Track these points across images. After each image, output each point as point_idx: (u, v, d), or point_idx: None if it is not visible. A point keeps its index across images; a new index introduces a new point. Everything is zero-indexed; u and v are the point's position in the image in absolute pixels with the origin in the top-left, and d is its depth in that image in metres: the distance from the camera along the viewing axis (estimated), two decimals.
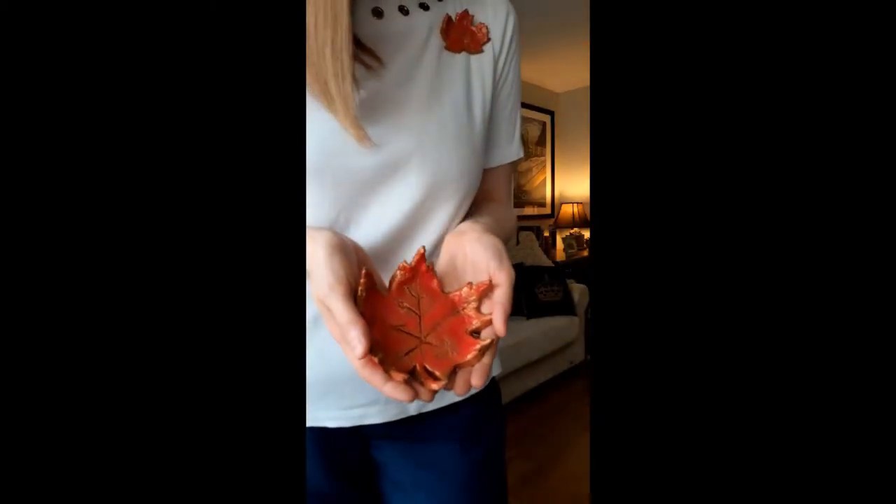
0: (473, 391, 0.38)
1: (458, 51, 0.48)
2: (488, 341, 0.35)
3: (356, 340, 0.31)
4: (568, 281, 2.80)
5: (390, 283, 0.38)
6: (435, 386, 0.33)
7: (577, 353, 2.78)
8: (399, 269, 0.38)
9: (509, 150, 0.55)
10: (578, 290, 2.81)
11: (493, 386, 0.58)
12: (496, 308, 0.35)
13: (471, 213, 0.50)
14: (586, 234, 3.60)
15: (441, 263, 0.41)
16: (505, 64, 0.51)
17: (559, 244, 3.64)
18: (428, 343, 0.36)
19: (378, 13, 0.44)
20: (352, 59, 0.38)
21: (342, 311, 0.32)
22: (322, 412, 0.48)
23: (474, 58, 0.49)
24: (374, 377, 0.32)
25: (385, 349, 0.35)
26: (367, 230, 0.44)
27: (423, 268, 0.39)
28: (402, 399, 0.32)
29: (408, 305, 0.38)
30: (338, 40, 0.37)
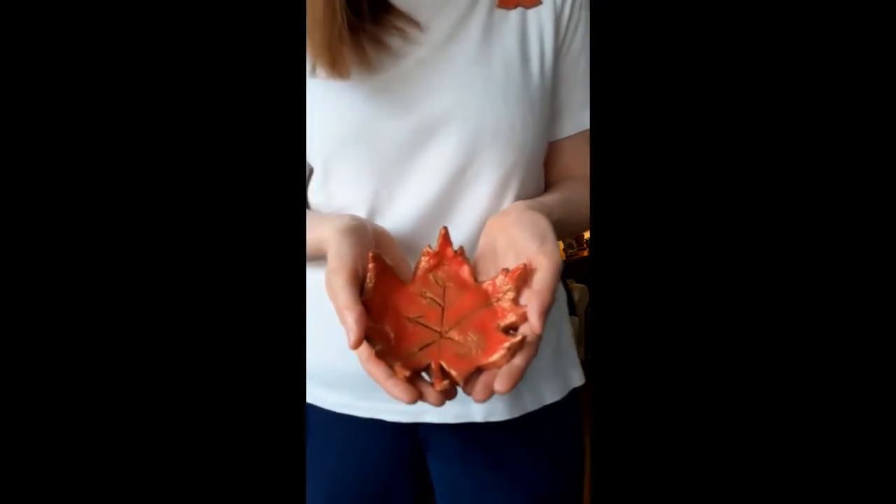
0: (501, 410, 0.35)
1: (513, 6, 0.44)
2: (519, 338, 0.29)
3: (349, 327, 0.28)
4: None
5: (415, 270, 0.34)
6: (439, 386, 0.28)
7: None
8: (423, 254, 0.34)
9: (585, 115, 0.48)
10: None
11: (573, 399, 0.51)
12: (532, 297, 0.29)
13: (543, 193, 0.47)
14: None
15: (480, 248, 0.37)
16: (570, 17, 0.46)
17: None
18: (449, 338, 0.31)
19: None
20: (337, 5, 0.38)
21: (340, 296, 0.30)
22: (380, 403, 0.44)
23: (531, 12, 0.45)
24: (377, 371, 0.29)
25: (397, 343, 0.31)
26: (407, 203, 0.42)
27: (449, 252, 0.34)
28: (403, 400, 0.28)
29: (431, 295, 0.33)
30: None
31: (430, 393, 0.29)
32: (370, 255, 0.32)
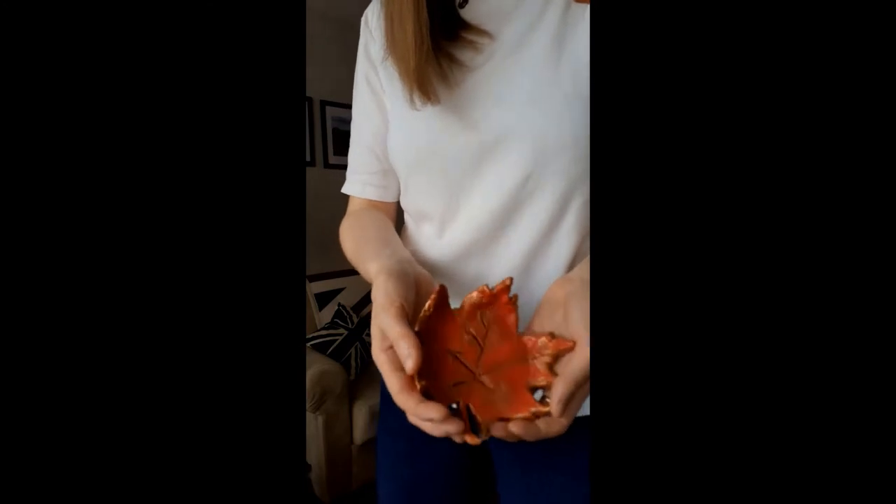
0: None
1: None
2: (545, 409, 0.30)
3: (408, 353, 0.29)
4: None
5: (463, 303, 0.35)
6: (469, 439, 0.28)
7: None
8: (478, 290, 0.34)
9: None
10: None
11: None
12: (560, 383, 0.29)
13: None
14: None
15: (541, 302, 0.36)
16: None
17: None
18: (480, 382, 0.32)
19: None
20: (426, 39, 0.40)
21: (392, 327, 0.30)
22: None
23: None
24: (409, 399, 0.29)
25: (435, 373, 0.31)
26: (472, 214, 0.44)
27: (505, 298, 0.34)
28: (430, 431, 0.29)
29: (473, 333, 0.34)
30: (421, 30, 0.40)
31: (453, 431, 0.29)
32: (438, 285, 0.34)
